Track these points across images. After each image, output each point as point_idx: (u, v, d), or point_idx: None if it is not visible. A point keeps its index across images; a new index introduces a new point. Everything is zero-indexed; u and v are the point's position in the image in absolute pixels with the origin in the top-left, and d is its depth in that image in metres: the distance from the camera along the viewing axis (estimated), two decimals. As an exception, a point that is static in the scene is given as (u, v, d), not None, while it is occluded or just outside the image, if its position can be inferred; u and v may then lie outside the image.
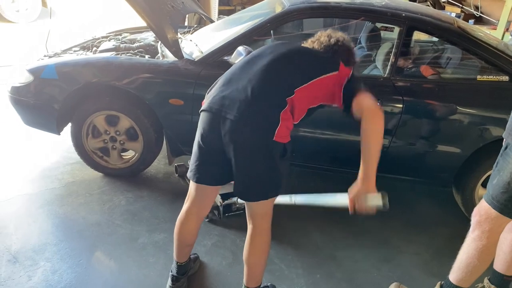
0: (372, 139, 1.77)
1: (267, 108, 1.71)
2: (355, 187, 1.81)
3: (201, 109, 1.81)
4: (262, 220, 1.91)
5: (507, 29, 5.19)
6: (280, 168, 1.77)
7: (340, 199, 1.96)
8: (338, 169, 2.98)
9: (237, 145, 1.71)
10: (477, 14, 5.58)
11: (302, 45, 2.08)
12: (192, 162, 1.87)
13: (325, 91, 1.84)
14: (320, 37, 2.04)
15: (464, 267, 1.94)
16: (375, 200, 1.78)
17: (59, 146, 3.48)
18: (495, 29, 5.18)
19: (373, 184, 1.77)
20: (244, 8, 6.32)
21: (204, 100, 1.84)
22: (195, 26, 3.85)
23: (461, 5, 5.83)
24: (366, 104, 1.77)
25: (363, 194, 1.78)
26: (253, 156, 1.72)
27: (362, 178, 1.77)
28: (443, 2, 6.08)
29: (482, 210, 1.88)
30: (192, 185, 1.95)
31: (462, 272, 1.95)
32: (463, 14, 5.72)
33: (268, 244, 1.97)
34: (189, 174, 1.90)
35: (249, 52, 2.54)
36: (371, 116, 1.76)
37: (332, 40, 2.00)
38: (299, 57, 1.91)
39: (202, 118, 1.80)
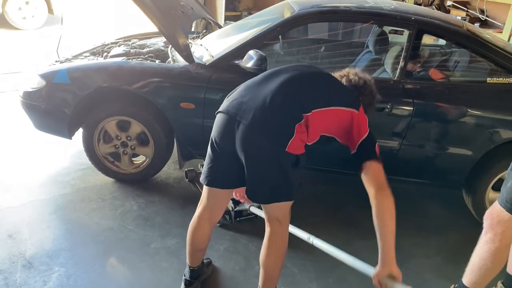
0: (388, 220, 1.77)
1: (283, 119, 1.72)
2: (379, 270, 1.75)
3: (218, 110, 1.84)
4: (279, 224, 1.93)
5: (512, 32, 5.19)
6: (291, 176, 1.78)
7: (362, 267, 1.94)
8: (349, 171, 2.98)
9: (249, 150, 1.73)
10: (483, 18, 5.58)
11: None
12: (205, 165, 1.91)
13: (340, 125, 1.84)
14: (349, 74, 2.03)
15: (477, 270, 1.93)
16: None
17: (68, 151, 3.50)
18: (501, 32, 5.18)
19: (395, 264, 1.74)
20: (250, 13, 6.37)
21: (223, 103, 1.86)
22: (204, 31, 3.87)
23: (466, 9, 5.84)
24: (379, 181, 1.77)
25: (386, 276, 1.73)
26: (263, 162, 1.75)
27: (384, 260, 1.74)
28: (448, 6, 6.09)
29: (494, 213, 1.89)
30: (204, 190, 1.98)
31: (475, 275, 1.95)
32: (468, 17, 5.73)
33: (285, 248, 1.98)
34: (201, 177, 1.93)
35: (260, 56, 2.56)
36: (384, 196, 1.76)
37: (361, 81, 2.00)
38: (326, 82, 1.93)
39: (218, 120, 1.83)
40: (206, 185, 1.92)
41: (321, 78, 1.95)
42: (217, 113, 1.85)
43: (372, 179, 1.78)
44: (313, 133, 1.79)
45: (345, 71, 2.06)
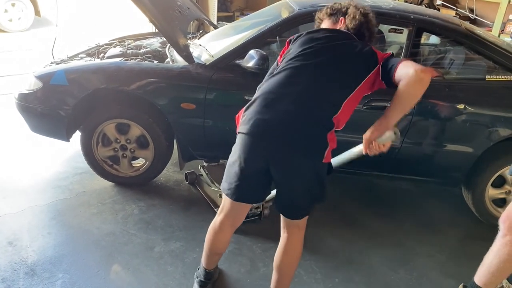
0: (407, 93, 1.67)
1: (315, 132, 1.70)
2: (370, 128, 1.79)
3: (242, 131, 1.76)
4: (298, 230, 1.93)
5: (502, 31, 5.25)
6: (326, 184, 1.81)
7: (355, 149, 1.99)
8: (351, 170, 2.98)
9: (287, 169, 1.72)
10: (472, 17, 5.63)
11: (339, 31, 1.96)
12: (230, 181, 1.83)
13: (368, 85, 1.83)
14: (351, 15, 1.96)
15: (495, 271, 1.94)
16: (387, 135, 1.75)
17: (65, 155, 3.44)
18: (490, 30, 5.24)
19: (389, 123, 1.73)
20: (243, 14, 6.36)
21: (242, 120, 1.79)
22: (201, 31, 3.85)
23: (455, 8, 5.89)
24: (409, 71, 1.65)
25: (378, 131, 1.76)
26: (304, 179, 1.74)
27: (380, 119, 1.77)
28: (438, 5, 6.13)
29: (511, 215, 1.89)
30: (227, 201, 1.92)
31: (492, 276, 1.96)
32: (458, 16, 5.78)
33: (301, 253, 1.99)
34: (227, 192, 1.87)
35: (261, 55, 2.54)
36: (422, 73, 1.63)
37: (362, 19, 1.95)
38: (343, 63, 1.81)
39: (242, 142, 1.75)
40: (234, 200, 1.87)
41: (340, 61, 1.81)
42: (240, 133, 1.78)
43: (401, 75, 1.68)
44: (344, 120, 1.78)
45: (328, 10, 2.04)
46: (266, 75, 1.92)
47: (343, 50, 1.85)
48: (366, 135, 1.81)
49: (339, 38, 1.89)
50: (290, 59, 1.83)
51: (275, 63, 2.00)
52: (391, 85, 1.77)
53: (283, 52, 1.97)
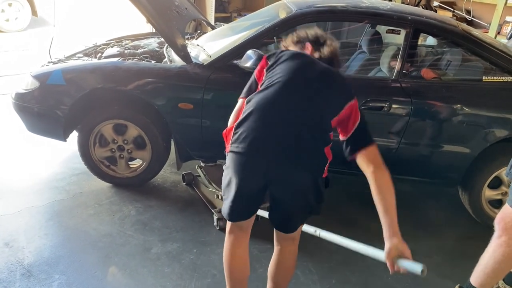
0: (388, 194, 1.71)
1: (314, 148, 1.68)
2: (388, 250, 1.64)
3: (236, 150, 1.66)
4: (292, 242, 1.91)
5: (498, 32, 5.28)
6: (324, 199, 1.78)
7: (373, 253, 1.89)
8: (348, 171, 2.98)
9: (288, 186, 1.69)
10: (469, 18, 5.66)
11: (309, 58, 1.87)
12: (227, 204, 1.76)
13: (341, 118, 1.76)
14: (313, 45, 1.88)
15: (491, 272, 1.95)
16: (415, 267, 1.61)
17: (62, 156, 3.44)
18: (487, 32, 5.26)
19: (400, 237, 1.67)
20: (240, 15, 6.36)
21: (234, 137, 1.69)
22: (198, 32, 3.85)
23: (452, 9, 5.91)
24: (377, 161, 1.72)
25: (396, 250, 1.63)
26: (304, 194, 1.71)
27: (389, 235, 1.66)
28: (435, 6, 6.16)
29: (507, 217, 1.90)
30: (231, 224, 1.86)
31: (487, 277, 1.97)
32: (454, 18, 5.80)
33: (296, 262, 1.97)
34: (228, 218, 1.80)
35: (259, 56, 2.54)
36: (382, 172, 1.71)
37: (332, 52, 1.87)
38: (328, 83, 1.78)
39: (240, 162, 1.66)
40: (234, 221, 1.82)
41: (326, 82, 1.78)
42: (233, 152, 1.68)
43: (371, 160, 1.72)
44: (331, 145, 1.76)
45: (294, 38, 1.93)
46: (245, 91, 1.89)
47: (327, 75, 1.80)
48: (387, 255, 1.62)
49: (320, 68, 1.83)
50: (280, 75, 1.75)
51: (252, 78, 1.93)
52: (350, 150, 1.76)
53: (261, 68, 1.89)
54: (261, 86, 1.79)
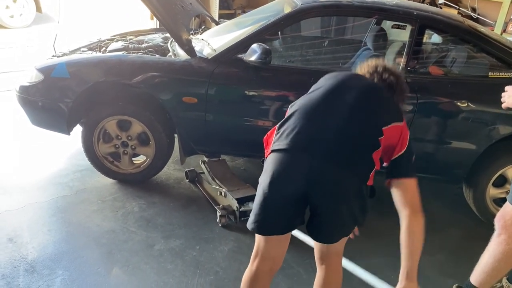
0: (418, 242, 1.63)
1: (363, 150, 1.56)
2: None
3: (277, 148, 1.56)
4: (338, 257, 1.80)
5: (504, 30, 5.25)
6: (368, 210, 1.64)
7: (381, 286, 1.88)
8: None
9: (329, 189, 1.53)
10: (474, 16, 5.62)
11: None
12: (256, 211, 1.60)
13: (391, 141, 1.62)
14: (378, 69, 1.77)
15: (490, 271, 1.94)
16: None
17: (65, 152, 3.45)
18: (493, 29, 5.23)
19: (416, 283, 1.63)
20: (244, 11, 6.35)
21: (276, 137, 1.61)
22: (203, 27, 3.85)
23: (457, 7, 5.88)
24: (415, 202, 1.62)
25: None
26: (347, 201, 1.56)
27: (408, 277, 1.61)
28: (440, 3, 6.12)
29: (507, 215, 1.90)
30: (261, 240, 1.68)
31: (487, 276, 1.96)
32: (460, 15, 5.77)
33: (342, 278, 1.85)
34: (253, 226, 1.62)
35: (264, 49, 2.52)
36: (418, 218, 1.62)
37: (394, 79, 1.75)
38: (379, 95, 1.71)
39: (278, 160, 1.54)
40: (262, 233, 1.64)
41: (375, 91, 1.71)
42: (272, 152, 1.58)
43: (408, 200, 1.60)
44: (380, 155, 1.61)
45: (371, 65, 1.78)
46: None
47: (378, 89, 1.74)
48: None
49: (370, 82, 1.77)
50: (327, 80, 1.72)
51: None
52: (388, 176, 1.67)
53: None
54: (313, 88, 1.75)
